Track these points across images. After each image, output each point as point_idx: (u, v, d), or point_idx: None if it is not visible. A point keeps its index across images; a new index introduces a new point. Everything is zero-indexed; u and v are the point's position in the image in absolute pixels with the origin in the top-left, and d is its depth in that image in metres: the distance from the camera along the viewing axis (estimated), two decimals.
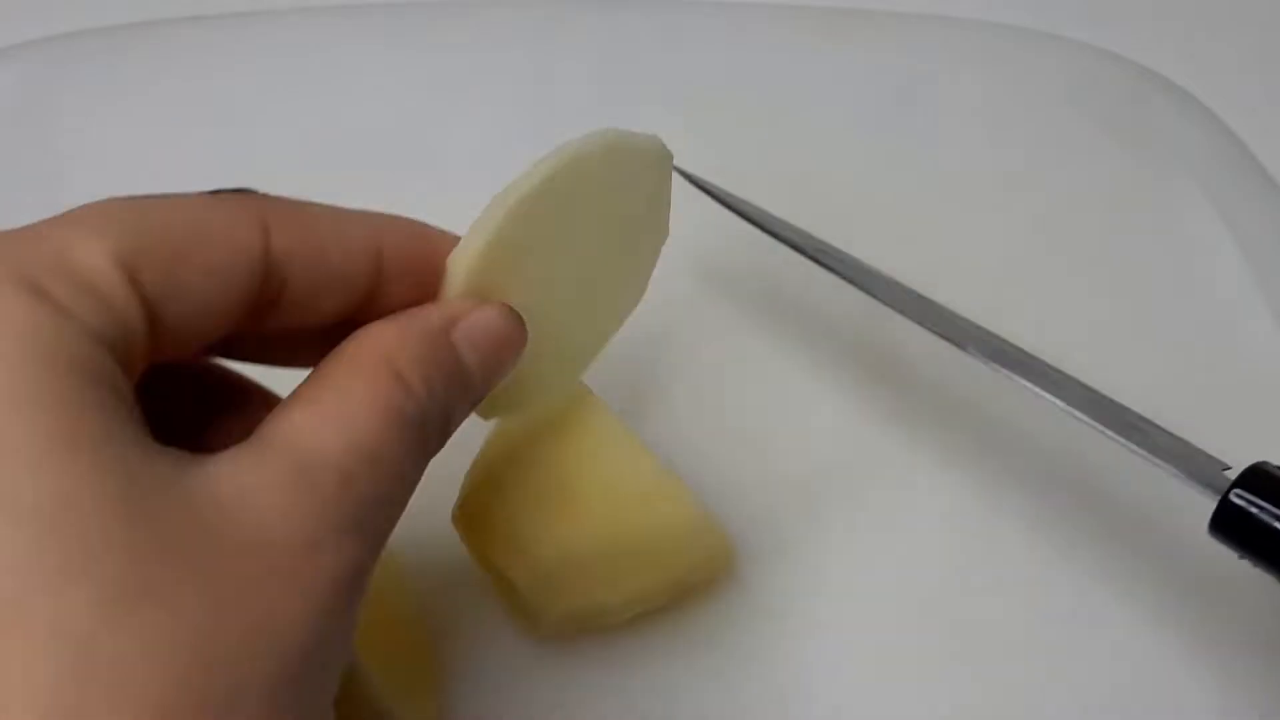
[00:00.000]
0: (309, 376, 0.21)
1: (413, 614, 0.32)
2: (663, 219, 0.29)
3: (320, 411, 0.20)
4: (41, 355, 0.17)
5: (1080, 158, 0.43)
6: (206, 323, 0.20)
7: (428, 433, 0.21)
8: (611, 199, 0.27)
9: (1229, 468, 0.28)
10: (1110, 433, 0.29)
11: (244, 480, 0.18)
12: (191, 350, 0.21)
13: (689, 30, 0.45)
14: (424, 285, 0.24)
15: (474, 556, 0.31)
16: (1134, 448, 0.28)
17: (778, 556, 0.33)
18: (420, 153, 0.42)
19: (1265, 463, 0.27)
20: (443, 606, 0.32)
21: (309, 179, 0.41)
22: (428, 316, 0.23)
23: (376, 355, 0.21)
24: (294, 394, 0.21)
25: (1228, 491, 0.27)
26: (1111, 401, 0.30)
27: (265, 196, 0.22)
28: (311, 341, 0.23)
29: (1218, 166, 0.42)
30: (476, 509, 0.31)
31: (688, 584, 0.31)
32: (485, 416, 0.28)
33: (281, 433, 0.19)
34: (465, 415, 0.24)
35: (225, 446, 0.19)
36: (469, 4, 0.46)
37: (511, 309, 0.24)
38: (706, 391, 0.37)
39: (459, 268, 0.24)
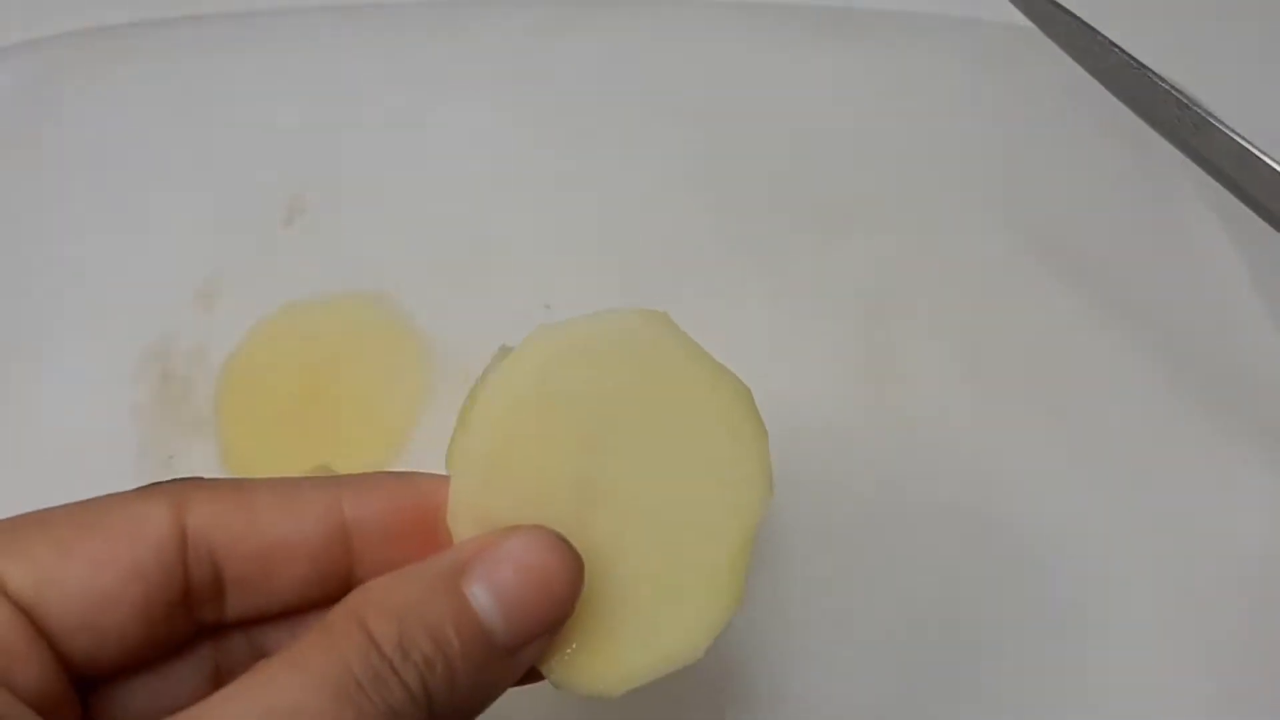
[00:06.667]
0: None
1: None
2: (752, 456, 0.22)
3: (252, 691, 0.17)
4: None
5: (1080, 157, 0.42)
6: (116, 622, 0.18)
7: (403, 703, 0.18)
8: (652, 402, 0.22)
9: None
10: None
11: None
12: (140, 656, 0.19)
13: (688, 30, 0.45)
14: (432, 542, 0.21)
15: None
16: None
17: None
18: (417, 154, 0.42)
19: None
20: None
21: (309, 179, 0.42)
22: (434, 561, 0.19)
23: (349, 612, 0.18)
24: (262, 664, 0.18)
25: None
26: None
27: (192, 480, 0.20)
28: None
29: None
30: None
31: None
32: (560, 686, 0.22)
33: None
34: (499, 685, 0.19)
35: None
36: (470, 4, 0.46)
37: (550, 532, 0.20)
38: None
39: (458, 502, 0.20)
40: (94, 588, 0.18)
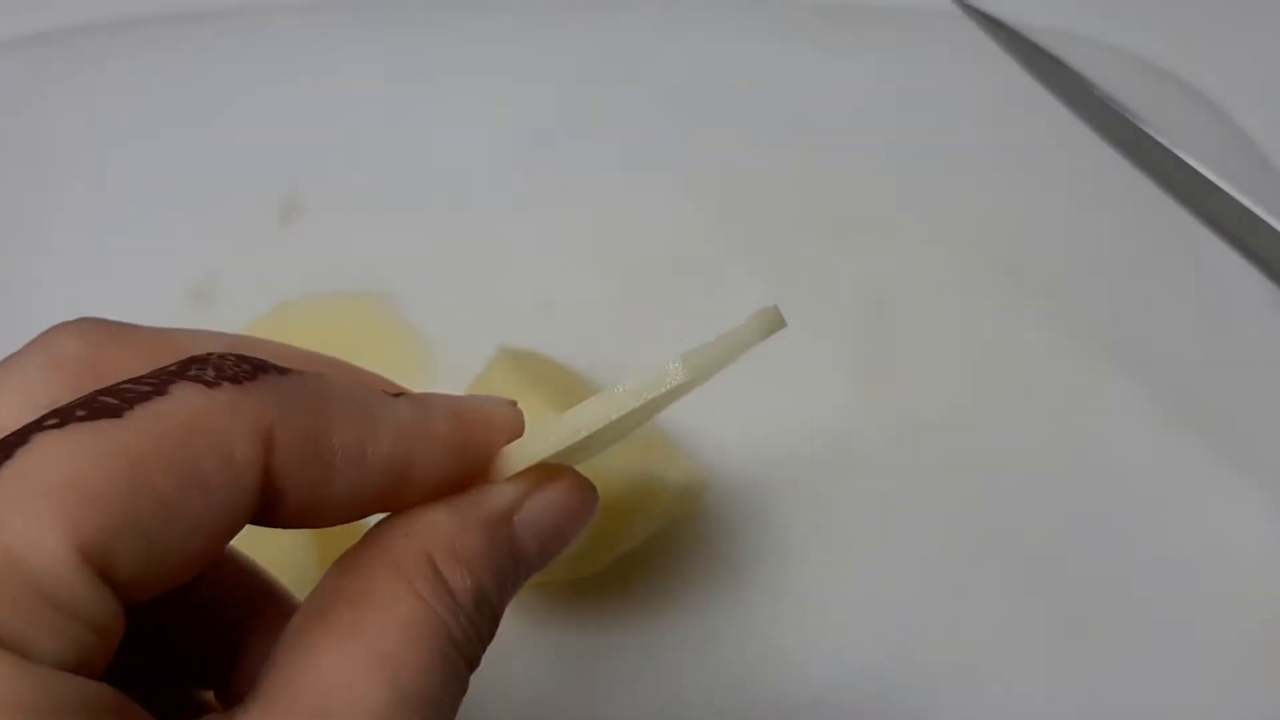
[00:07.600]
0: (331, 574, 0.18)
1: None
2: None
3: (358, 648, 0.16)
4: None
5: (1088, 156, 0.42)
6: (188, 569, 0.16)
7: (474, 650, 0.18)
8: None
9: None
10: None
11: None
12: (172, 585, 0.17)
13: (688, 28, 0.45)
14: (465, 475, 0.20)
15: None
16: None
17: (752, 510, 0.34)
18: (415, 152, 0.41)
19: None
20: None
21: (305, 177, 0.41)
22: (491, 503, 0.19)
23: (421, 557, 0.18)
24: (314, 605, 0.17)
25: None
26: None
27: (276, 382, 0.17)
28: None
29: (1228, 167, 0.42)
30: None
31: (662, 498, 0.30)
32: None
33: (308, 686, 0.16)
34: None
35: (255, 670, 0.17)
36: (467, 1, 0.45)
37: (584, 478, 0.20)
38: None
39: (519, 463, 0.20)
40: (183, 555, 0.16)
